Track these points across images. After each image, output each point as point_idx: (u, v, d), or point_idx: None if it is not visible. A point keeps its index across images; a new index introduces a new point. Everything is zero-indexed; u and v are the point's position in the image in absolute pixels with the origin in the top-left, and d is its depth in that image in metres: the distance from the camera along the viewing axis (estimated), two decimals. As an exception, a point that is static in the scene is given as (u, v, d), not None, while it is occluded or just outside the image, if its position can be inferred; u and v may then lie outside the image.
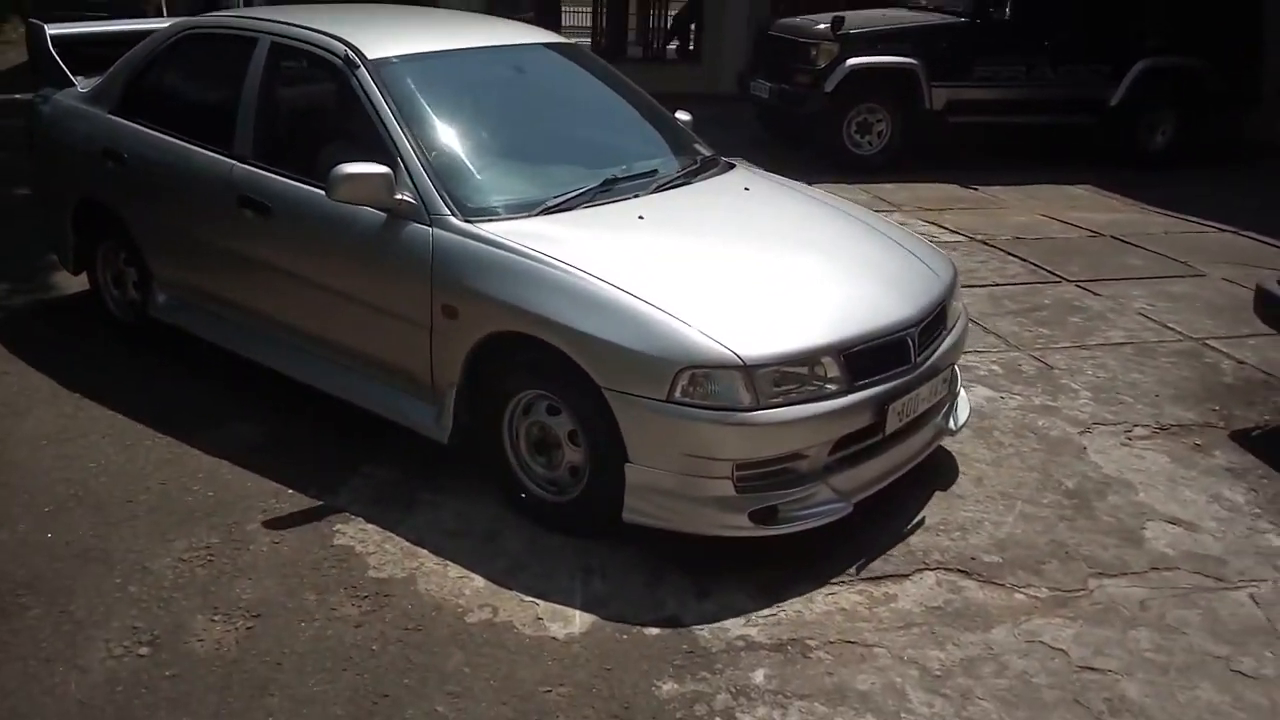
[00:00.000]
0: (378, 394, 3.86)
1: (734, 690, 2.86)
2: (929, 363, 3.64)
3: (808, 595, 3.28)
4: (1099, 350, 5.42)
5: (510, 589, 3.25)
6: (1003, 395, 4.82)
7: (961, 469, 4.11)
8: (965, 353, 5.01)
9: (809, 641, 3.07)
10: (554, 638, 3.04)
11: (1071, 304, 6.13)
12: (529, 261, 3.40)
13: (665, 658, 2.97)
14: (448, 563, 3.37)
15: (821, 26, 9.27)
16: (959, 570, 3.46)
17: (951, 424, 3.98)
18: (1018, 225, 7.84)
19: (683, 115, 4.85)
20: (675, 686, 2.86)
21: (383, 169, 3.55)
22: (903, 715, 2.81)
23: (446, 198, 3.60)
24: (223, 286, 4.36)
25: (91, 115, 4.78)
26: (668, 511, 3.27)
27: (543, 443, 3.50)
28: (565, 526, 3.48)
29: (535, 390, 3.43)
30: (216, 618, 3.09)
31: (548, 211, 3.69)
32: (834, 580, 3.37)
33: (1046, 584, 3.41)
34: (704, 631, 3.09)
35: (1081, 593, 3.38)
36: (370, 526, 3.55)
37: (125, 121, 4.64)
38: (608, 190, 3.90)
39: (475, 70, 4.28)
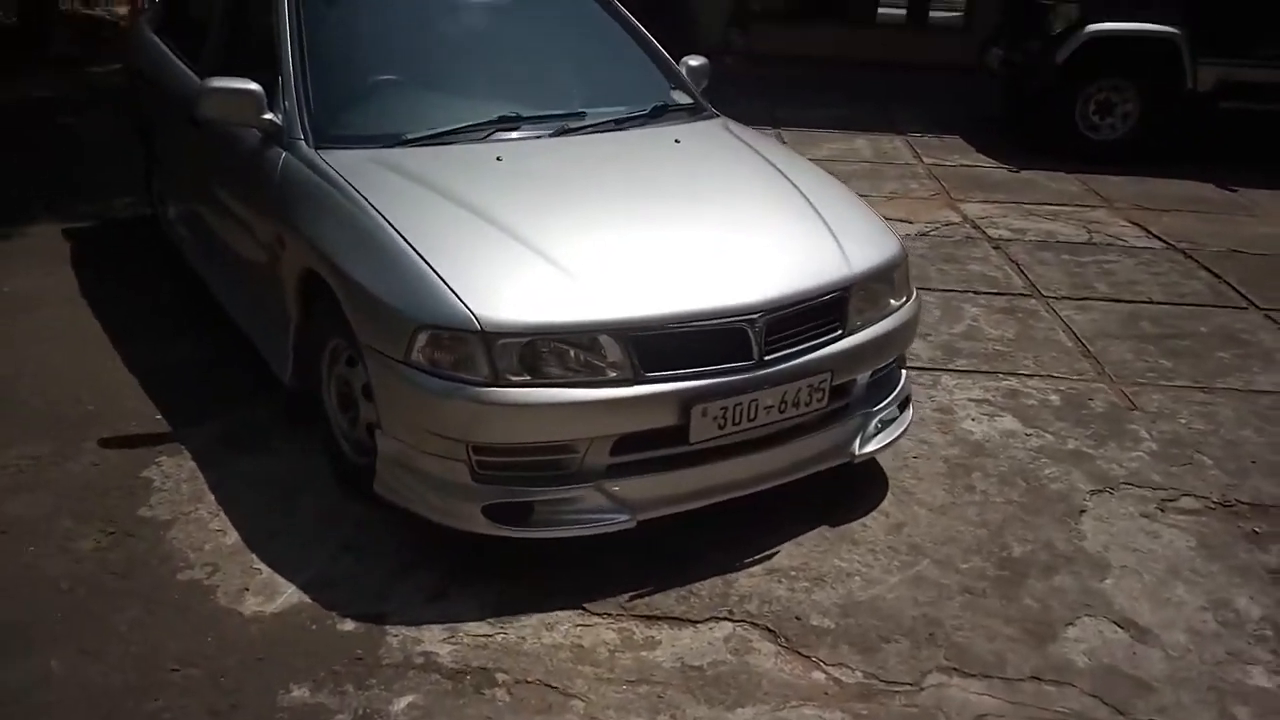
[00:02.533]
0: (256, 324, 3.73)
1: (361, 715, 2.46)
2: (790, 364, 2.96)
3: (554, 622, 2.79)
4: (1222, 396, 4.31)
5: (251, 552, 3.01)
6: (1029, 432, 3.93)
7: (885, 508, 3.38)
8: (1024, 375, 4.29)
9: (500, 675, 2.60)
10: (240, 613, 2.78)
11: (1234, 336, 4.93)
12: (339, 196, 3.11)
13: (328, 660, 2.62)
14: (221, 514, 3.18)
15: (1068, -15, 8.02)
16: (767, 629, 2.82)
17: (855, 448, 3.24)
18: (1252, 238, 6.44)
19: (694, 61, 4.34)
20: (303, 695, 2.51)
21: (251, 86, 3.36)
22: (523, 788, 2.28)
23: (306, 122, 3.37)
24: (184, 202, 4.42)
25: (142, 35, 4.97)
26: (408, 490, 2.89)
27: (346, 397, 3.17)
28: (363, 493, 3.12)
29: (338, 338, 3.10)
30: (-32, 527, 3.07)
31: (403, 144, 3.37)
32: (602, 610, 2.83)
33: (868, 668, 2.69)
34: (395, 639, 2.70)
35: (906, 689, 2.63)
36: (189, 464, 3.43)
37: (154, 40, 4.77)
38: (498, 128, 3.53)
39: None
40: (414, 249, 2.83)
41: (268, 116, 3.39)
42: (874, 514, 3.35)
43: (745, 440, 2.96)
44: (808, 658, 2.72)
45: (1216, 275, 5.75)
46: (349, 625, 2.74)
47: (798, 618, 2.87)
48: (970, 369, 4.44)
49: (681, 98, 4.11)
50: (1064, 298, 5.29)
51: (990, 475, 3.63)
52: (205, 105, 3.39)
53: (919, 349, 4.57)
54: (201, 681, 2.54)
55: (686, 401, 2.78)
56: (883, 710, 2.56)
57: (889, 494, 3.47)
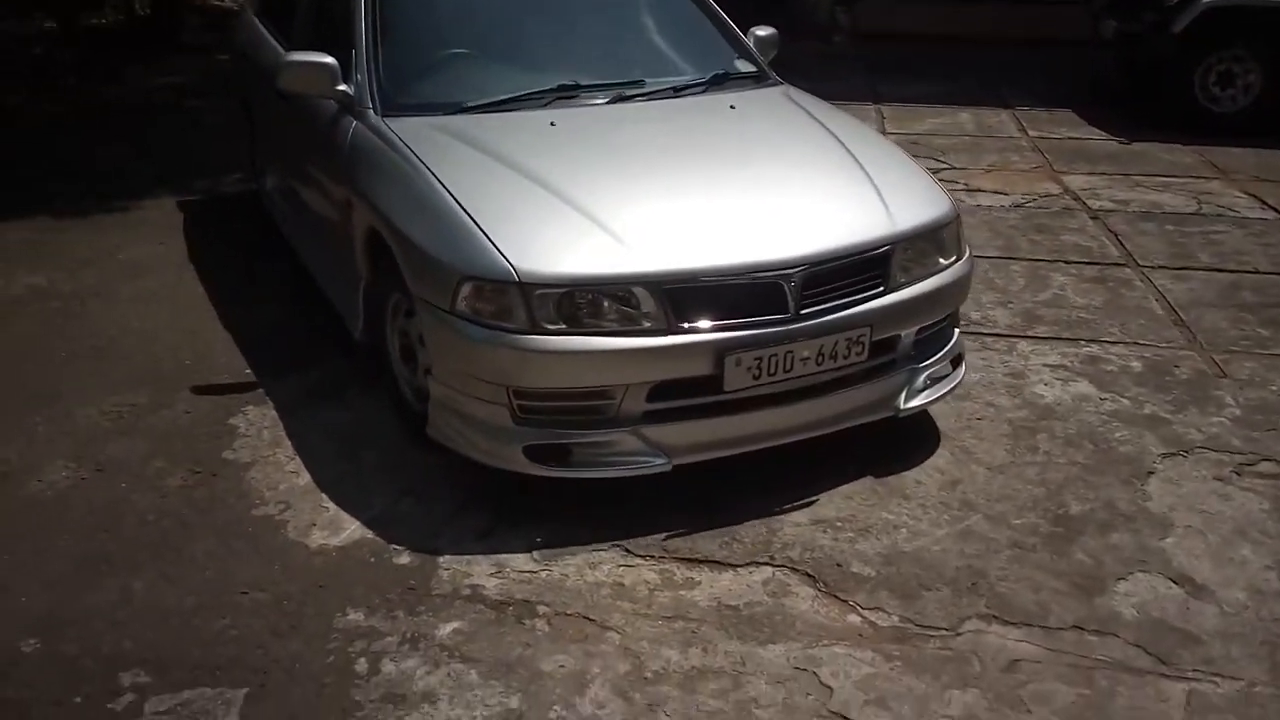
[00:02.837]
0: (334, 284, 3.95)
1: (409, 637, 2.62)
2: (827, 318, 3.01)
3: (597, 561, 2.90)
4: (1324, 364, 4.15)
5: (321, 492, 3.21)
6: (1104, 396, 3.87)
7: (941, 465, 3.39)
8: (1107, 342, 4.24)
9: (541, 608, 2.72)
10: (306, 545, 2.97)
11: (1344, 304, 4.72)
12: (397, 158, 3.30)
13: (383, 589, 2.78)
14: (296, 458, 3.39)
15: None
16: (806, 574, 2.87)
17: (901, 402, 3.27)
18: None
19: (761, 31, 4.40)
20: (358, 619, 2.68)
21: (326, 59, 3.58)
22: (552, 711, 2.39)
23: (375, 93, 3.57)
24: (277, 174, 4.69)
25: (245, 17, 5.26)
26: (456, 433, 3.05)
27: (407, 348, 3.35)
28: (423, 438, 3.29)
29: (398, 293, 3.27)
30: (71, 464, 3.35)
31: (463, 111, 3.54)
32: (645, 552, 2.93)
33: (905, 613, 2.73)
34: (446, 572, 2.85)
35: (942, 633, 2.66)
36: (272, 414, 3.65)
37: (254, 21, 5.04)
38: (558, 96, 3.68)
39: None
40: (462, 206, 2.99)
41: (341, 88, 3.60)
42: (930, 470, 3.36)
43: (784, 390, 3.02)
44: (845, 601, 2.77)
45: (1335, 245, 5.49)
46: (404, 559, 2.90)
47: (839, 564, 2.91)
48: (1050, 335, 4.38)
49: (745, 66, 4.19)
50: (1160, 267, 5.15)
51: (1057, 437, 3.59)
52: (285, 77, 3.63)
53: (997, 315, 4.53)
54: (266, 604, 2.72)
55: (720, 351, 2.86)
56: (915, 652, 2.58)
57: (948, 452, 3.47)
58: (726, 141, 3.62)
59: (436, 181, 3.12)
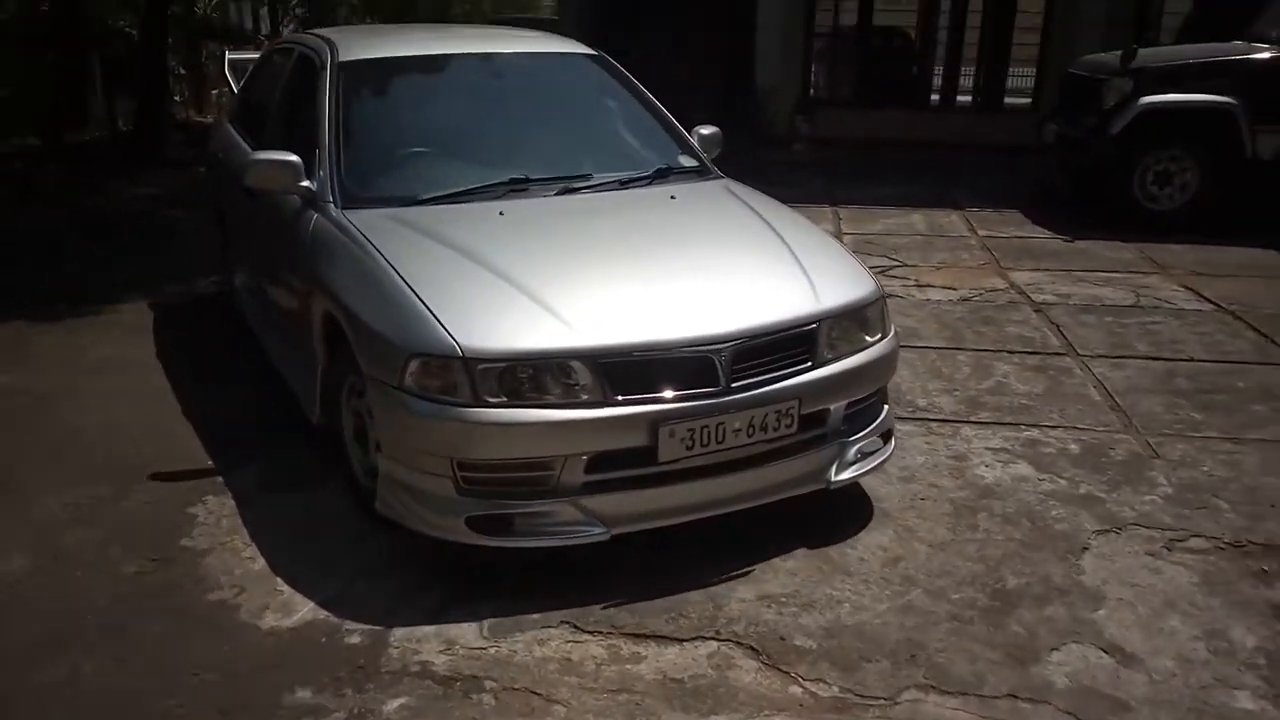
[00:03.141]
0: (294, 371, 4.10)
1: (355, 713, 2.65)
2: (757, 391, 3.16)
3: (546, 638, 2.96)
4: (1251, 446, 4.30)
5: (276, 576, 3.25)
6: (1042, 477, 3.99)
7: (884, 544, 3.48)
8: (1047, 426, 4.37)
9: (489, 683, 2.77)
10: (259, 627, 3.01)
11: (1273, 391, 4.92)
12: (353, 245, 3.48)
13: (332, 668, 2.82)
14: (252, 544, 3.44)
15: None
16: (750, 647, 2.94)
17: (832, 474, 3.41)
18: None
19: (705, 130, 4.62)
20: (305, 697, 2.71)
21: (291, 157, 3.81)
22: (494, 779, 2.43)
23: (336, 187, 3.77)
24: (245, 270, 4.92)
25: (220, 125, 5.46)
26: (403, 507, 3.16)
27: (360, 429, 3.46)
28: (374, 516, 3.38)
29: (353, 375, 3.39)
30: (27, 554, 3.38)
31: (418, 204, 3.73)
32: (594, 628, 2.99)
33: (846, 684, 2.79)
34: (396, 651, 2.90)
35: (881, 703, 2.72)
36: (230, 503, 3.71)
37: (228, 128, 5.24)
38: (509, 189, 3.89)
39: (451, 75, 4.46)
40: (411, 288, 3.15)
41: (304, 183, 3.80)
42: (873, 548, 3.45)
43: (718, 462, 3.15)
44: (786, 673, 2.83)
45: (1265, 335, 5.71)
46: (355, 639, 2.95)
47: (782, 638, 2.97)
48: (992, 421, 4.51)
49: (688, 161, 4.42)
50: (1099, 356, 5.33)
51: (996, 515, 3.69)
52: (252, 174, 3.85)
53: (942, 402, 4.67)
54: (215, 684, 2.76)
55: (654, 423, 3.00)
56: (853, 721, 2.64)
57: (891, 530, 3.56)
58: (665, 229, 3.81)
59: (387, 265, 3.27)
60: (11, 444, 4.18)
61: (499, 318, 3.08)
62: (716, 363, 3.08)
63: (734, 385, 3.10)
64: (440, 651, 2.88)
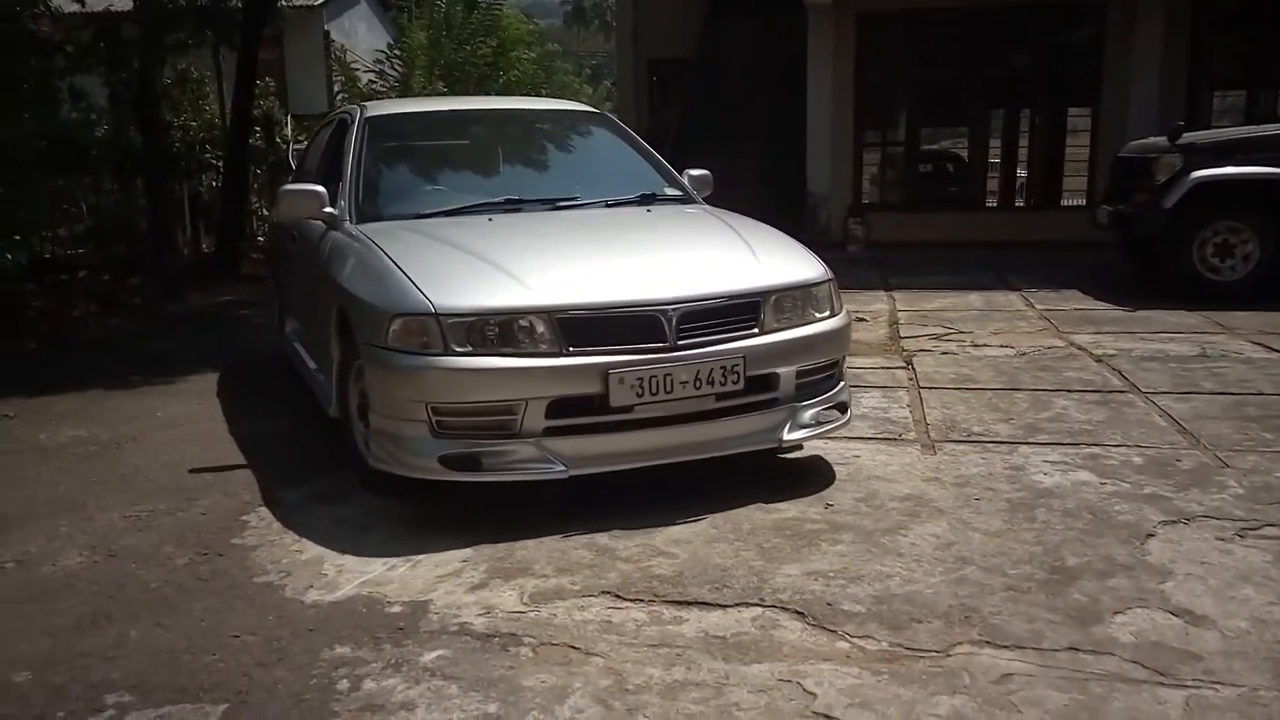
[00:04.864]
0: (317, 379, 4.47)
1: (393, 663, 2.61)
2: (702, 350, 3.46)
3: (587, 604, 2.90)
4: (1325, 458, 4.12)
5: (323, 563, 3.26)
6: (1104, 482, 3.86)
7: (937, 532, 3.39)
8: (1109, 445, 4.28)
9: (527, 639, 2.71)
10: (302, 600, 2.99)
11: (1347, 416, 4.72)
12: (358, 245, 3.91)
13: (372, 630, 2.79)
14: (302, 540, 3.46)
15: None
16: (795, 611, 2.84)
17: (784, 434, 3.68)
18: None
19: (695, 171, 4.99)
20: (344, 651, 2.68)
21: (315, 187, 4.33)
22: (529, 716, 2.36)
23: (353, 208, 4.21)
24: (290, 316, 5.43)
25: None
26: (388, 455, 3.44)
27: (363, 407, 3.72)
28: (394, 491, 3.62)
29: (358, 360, 3.67)
30: (85, 552, 3.43)
31: (421, 217, 4.15)
32: (635, 596, 2.93)
33: (895, 639, 2.68)
34: (435, 616, 2.86)
35: (932, 654, 2.60)
36: (282, 511, 3.75)
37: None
38: (505, 209, 4.31)
39: (462, 125, 5.15)
40: (396, 265, 3.58)
41: (328, 209, 4.27)
42: (925, 537, 3.35)
43: (673, 414, 3.43)
44: (833, 632, 2.73)
45: (1338, 375, 5.51)
46: (396, 608, 2.92)
47: (829, 604, 2.88)
48: (1051, 441, 4.39)
49: (673, 191, 4.79)
50: (1164, 392, 5.19)
51: (1054, 510, 3.57)
52: (281, 204, 4.31)
53: (998, 428, 4.57)
54: (256, 644, 2.74)
55: (605, 371, 3.30)
56: (904, 669, 2.53)
57: (944, 524, 3.46)
58: (632, 228, 4.24)
59: (381, 253, 3.73)
60: (80, 477, 4.28)
61: (469, 284, 3.46)
62: (664, 321, 3.41)
63: (681, 343, 3.41)
64: (480, 615, 2.85)
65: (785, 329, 3.67)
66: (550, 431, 3.34)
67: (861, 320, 7.21)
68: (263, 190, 13.28)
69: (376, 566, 3.20)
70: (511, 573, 3.11)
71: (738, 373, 3.49)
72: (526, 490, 3.53)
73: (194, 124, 12.84)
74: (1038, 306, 8.02)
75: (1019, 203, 14.41)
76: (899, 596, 2.90)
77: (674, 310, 3.43)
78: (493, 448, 3.33)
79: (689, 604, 2.88)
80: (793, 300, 3.74)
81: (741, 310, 3.59)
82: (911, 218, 12.16)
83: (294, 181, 5.65)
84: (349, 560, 3.26)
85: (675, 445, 3.49)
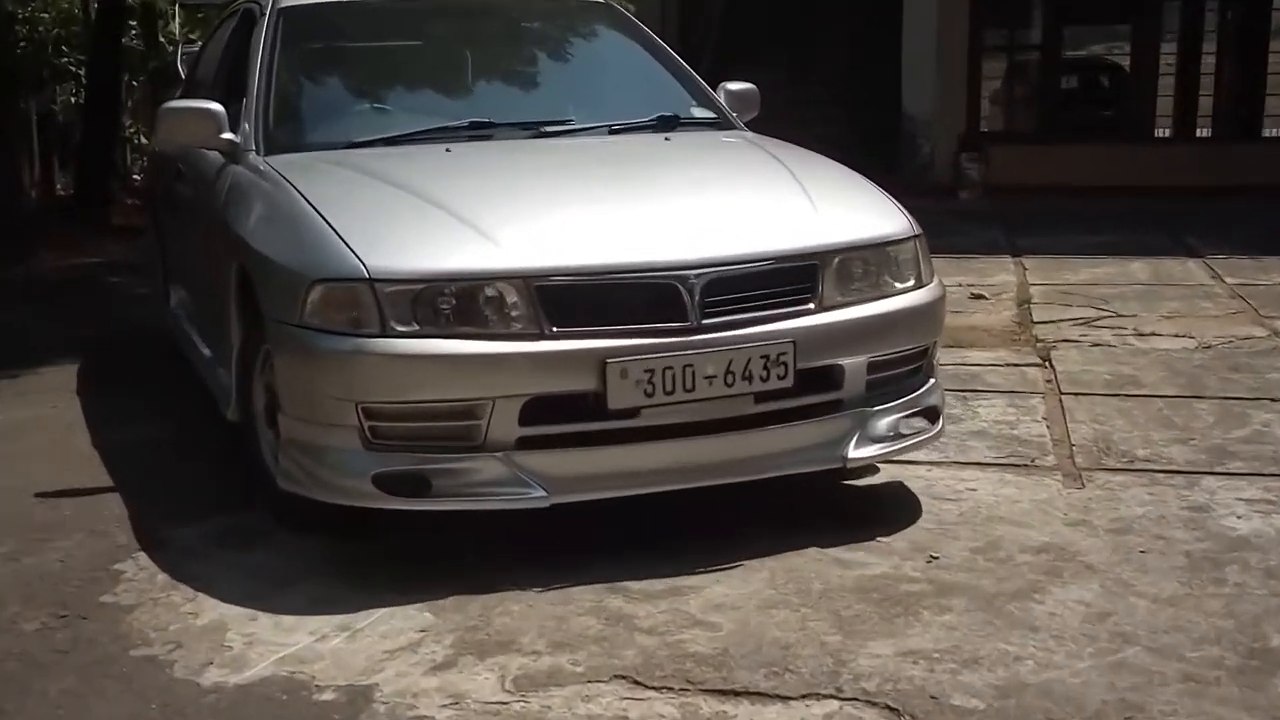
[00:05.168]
0: (211, 368, 4.52)
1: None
2: (737, 330, 3.41)
3: (593, 694, 2.93)
4: None
5: (226, 632, 3.29)
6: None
7: (1086, 598, 3.41)
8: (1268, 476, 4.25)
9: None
10: (198, 684, 3.03)
11: None
12: (266, 185, 3.88)
13: (290, 724, 2.81)
14: (196, 598, 3.50)
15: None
16: (886, 707, 2.85)
17: (848, 450, 3.57)
18: None
19: (734, 86, 4.95)
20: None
21: (209, 105, 4.27)
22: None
23: (260, 136, 4.18)
24: (177, 281, 5.54)
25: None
26: (303, 473, 3.41)
27: (271, 410, 3.70)
28: (320, 526, 3.67)
29: (265, 344, 3.68)
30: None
31: (354, 146, 4.13)
32: (660, 684, 2.95)
33: (1027, 750, 2.68)
34: (382, 707, 2.89)
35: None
36: (169, 558, 3.80)
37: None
38: (470, 135, 4.30)
39: (412, 21, 5.06)
40: (320, 214, 3.52)
41: (226, 135, 4.20)
42: (1068, 604, 3.36)
43: (696, 421, 3.40)
44: (940, 735, 2.73)
45: None
46: (328, 695, 2.94)
47: (934, 697, 2.89)
48: (1248, 471, 4.39)
49: (703, 113, 4.77)
50: None
51: (1253, 569, 3.58)
52: (162, 129, 4.30)
53: (1172, 452, 4.58)
54: (130, 743, 2.76)
55: (602, 361, 3.24)
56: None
57: (1095, 586, 3.48)
58: (643, 161, 4.24)
59: (299, 196, 3.69)
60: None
61: (414, 237, 3.45)
62: (684, 293, 3.36)
63: (706, 323, 3.36)
64: (445, 706, 2.87)
65: (852, 304, 3.64)
66: (526, 443, 3.31)
67: (978, 298, 7.22)
68: (140, 109, 13.35)
69: (301, 636, 3.22)
70: (488, 647, 3.12)
71: (785, 364, 3.43)
72: (508, 526, 3.54)
73: (45, 15, 12.88)
74: (1228, 280, 8.03)
75: (1202, 132, 14.34)
76: (1032, 688, 2.92)
77: (698, 277, 3.38)
78: (447, 465, 3.29)
79: (737, 694, 2.91)
80: (863, 264, 3.70)
81: (791, 277, 3.56)
82: (1049, 153, 12.15)
83: (182, 96, 5.70)
84: (262, 627, 3.29)
85: (698, 465, 3.46)
